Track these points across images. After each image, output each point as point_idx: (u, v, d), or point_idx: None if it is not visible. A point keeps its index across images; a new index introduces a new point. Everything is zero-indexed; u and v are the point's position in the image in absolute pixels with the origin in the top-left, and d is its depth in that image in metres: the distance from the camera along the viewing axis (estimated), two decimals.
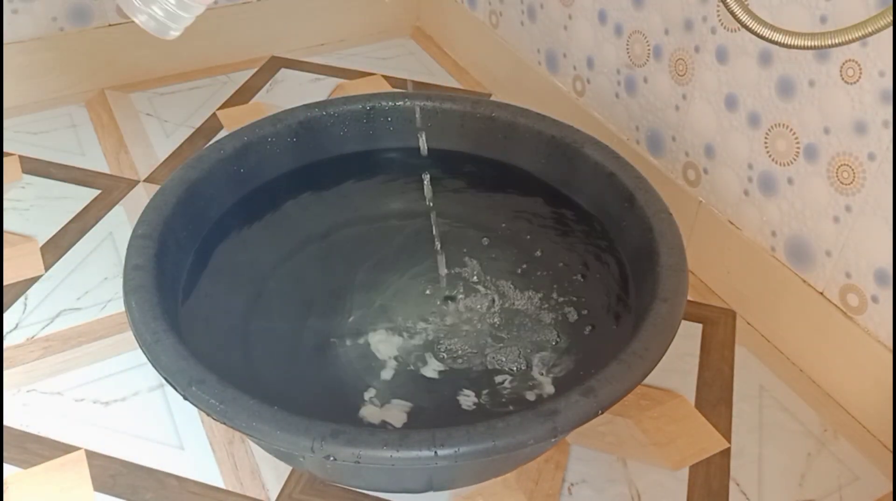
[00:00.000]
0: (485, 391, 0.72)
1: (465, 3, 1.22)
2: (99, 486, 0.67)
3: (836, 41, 0.51)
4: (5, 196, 0.97)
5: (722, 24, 0.77)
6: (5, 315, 0.82)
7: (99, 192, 0.99)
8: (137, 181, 1.00)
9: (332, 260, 0.84)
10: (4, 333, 0.81)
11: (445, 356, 0.75)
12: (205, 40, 1.20)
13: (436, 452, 0.53)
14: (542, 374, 0.73)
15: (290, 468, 0.69)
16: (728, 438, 0.73)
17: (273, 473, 0.68)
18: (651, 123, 0.91)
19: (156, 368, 0.58)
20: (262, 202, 0.83)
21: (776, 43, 0.53)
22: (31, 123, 1.09)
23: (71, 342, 0.80)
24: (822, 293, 0.76)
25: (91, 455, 0.70)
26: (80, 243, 0.91)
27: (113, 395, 0.75)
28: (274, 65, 1.24)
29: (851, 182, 0.69)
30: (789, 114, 0.73)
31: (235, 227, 0.80)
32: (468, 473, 0.66)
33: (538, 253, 0.84)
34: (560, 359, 0.74)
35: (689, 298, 0.83)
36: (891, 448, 0.72)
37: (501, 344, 0.76)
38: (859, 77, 0.66)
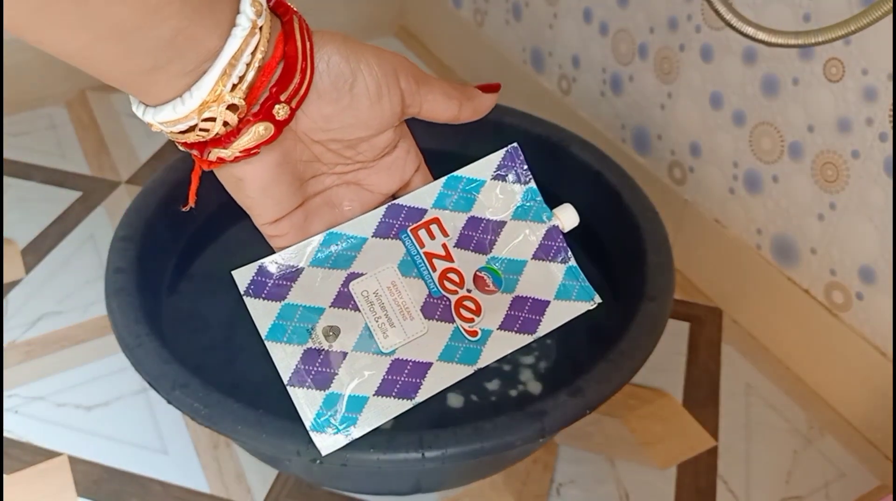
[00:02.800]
0: (472, 392, 0.71)
1: (450, 2, 1.21)
2: (82, 491, 0.66)
3: (820, 39, 0.51)
4: None
5: (706, 23, 0.77)
6: None
7: (80, 194, 0.97)
8: (119, 183, 0.99)
9: None
10: None
11: None
12: None
13: (423, 454, 0.52)
14: (529, 374, 0.73)
15: (276, 471, 0.68)
16: (715, 436, 0.73)
17: (259, 477, 0.68)
18: (637, 121, 0.91)
19: (139, 372, 0.57)
20: None
21: (760, 41, 0.52)
22: (10, 124, 1.08)
23: (52, 346, 0.79)
24: (807, 291, 0.76)
25: (74, 461, 0.69)
26: (61, 245, 0.90)
27: (95, 399, 0.74)
28: None
29: (836, 180, 0.69)
30: (774, 112, 0.73)
31: (219, 229, 0.79)
32: (456, 475, 0.66)
33: None
34: (547, 359, 0.74)
35: (676, 296, 0.83)
36: (877, 444, 0.73)
37: None
38: (843, 75, 0.66)
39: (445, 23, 1.23)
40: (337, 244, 0.36)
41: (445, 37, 1.25)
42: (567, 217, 0.38)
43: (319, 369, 0.35)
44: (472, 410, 0.70)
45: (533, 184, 0.39)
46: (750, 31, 0.52)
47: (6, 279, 0.86)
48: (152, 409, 0.73)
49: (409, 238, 0.37)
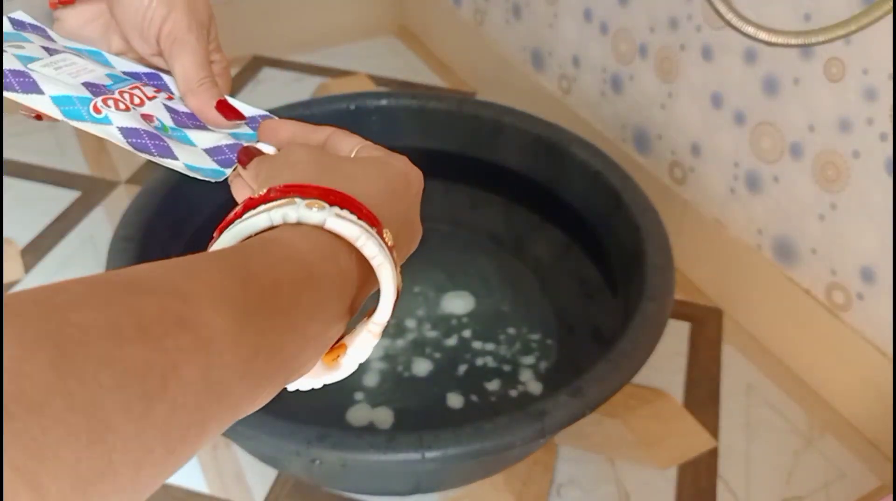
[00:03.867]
0: (472, 393, 0.71)
1: (450, 2, 1.21)
2: None
3: (821, 39, 0.51)
4: None
5: (707, 23, 0.77)
6: None
7: (79, 194, 0.97)
8: (118, 183, 0.99)
9: None
10: None
11: (433, 356, 0.74)
12: None
13: (423, 455, 0.52)
14: (529, 375, 0.73)
15: (276, 471, 0.68)
16: (716, 436, 0.73)
17: (259, 477, 0.68)
18: (637, 121, 0.91)
19: None
20: None
21: (761, 41, 0.52)
22: (9, 124, 1.08)
23: None
24: (807, 291, 0.76)
25: None
26: (61, 245, 0.90)
27: None
28: (256, 64, 1.23)
29: (836, 180, 0.69)
30: (774, 112, 0.73)
31: None
32: (456, 475, 0.66)
33: (525, 252, 0.83)
34: (548, 359, 0.74)
35: (676, 296, 0.83)
36: (877, 444, 0.72)
37: (489, 344, 0.75)
38: (843, 75, 0.66)
39: (445, 22, 1.23)
40: (95, 61, 0.41)
41: (445, 36, 1.25)
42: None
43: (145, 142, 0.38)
44: (473, 410, 0.70)
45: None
46: (750, 30, 0.52)
47: (6, 279, 0.86)
48: None
49: (142, 81, 0.41)
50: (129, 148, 0.39)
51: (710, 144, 0.81)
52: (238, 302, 0.23)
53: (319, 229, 0.28)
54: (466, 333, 0.76)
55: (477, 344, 0.75)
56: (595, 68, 0.95)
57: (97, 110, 0.39)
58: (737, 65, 0.75)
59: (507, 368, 0.73)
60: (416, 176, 0.35)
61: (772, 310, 0.80)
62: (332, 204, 0.28)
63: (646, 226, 0.70)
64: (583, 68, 0.97)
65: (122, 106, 0.39)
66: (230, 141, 0.41)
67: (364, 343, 0.29)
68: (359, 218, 0.28)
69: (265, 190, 0.29)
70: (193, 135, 0.40)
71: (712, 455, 0.71)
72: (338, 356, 0.29)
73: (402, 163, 0.35)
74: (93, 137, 1.12)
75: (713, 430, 0.73)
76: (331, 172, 0.31)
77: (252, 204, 0.28)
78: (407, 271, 0.92)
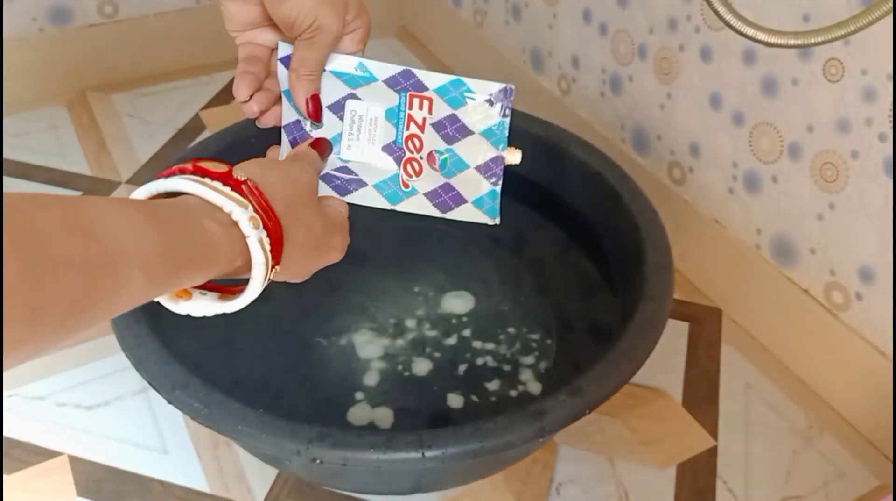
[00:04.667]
0: (472, 392, 0.71)
1: (449, 2, 1.21)
2: (82, 491, 0.66)
3: (819, 40, 0.51)
4: None
5: (706, 23, 0.78)
6: None
7: (80, 194, 0.97)
8: (119, 183, 0.99)
9: None
10: None
11: (433, 356, 0.74)
12: (187, 40, 1.19)
13: (423, 454, 0.52)
14: (529, 374, 0.73)
15: (276, 471, 0.68)
16: (715, 436, 0.73)
17: (259, 476, 0.68)
18: (636, 122, 0.91)
19: (139, 371, 0.57)
20: None
21: (760, 42, 0.53)
22: (10, 124, 1.08)
23: None
24: (806, 291, 0.76)
25: (74, 461, 0.69)
26: None
27: (96, 399, 0.74)
28: None
29: (835, 180, 0.70)
30: (773, 112, 0.73)
31: None
32: (456, 474, 0.66)
33: (525, 252, 0.83)
34: (547, 359, 0.74)
35: (676, 296, 0.83)
36: (876, 444, 0.73)
37: (489, 344, 0.76)
38: (842, 75, 0.66)
39: (445, 23, 1.23)
40: (357, 71, 0.46)
41: (445, 37, 1.25)
42: (512, 156, 0.49)
43: (296, 137, 0.46)
44: (473, 410, 0.70)
45: (507, 119, 0.50)
46: (749, 31, 0.52)
47: None
48: (152, 409, 0.73)
49: (405, 98, 0.47)
50: (435, 212, 0.45)
51: (709, 145, 0.82)
52: (153, 270, 0.30)
53: (243, 235, 0.34)
54: (466, 332, 0.76)
55: (477, 344, 0.75)
56: (594, 69, 0.95)
57: (406, 185, 0.45)
58: (736, 65, 0.75)
59: (506, 368, 0.73)
60: (337, 253, 0.42)
61: (771, 310, 0.80)
62: (265, 228, 0.35)
63: (645, 226, 0.70)
64: (582, 69, 0.97)
65: (416, 166, 0.46)
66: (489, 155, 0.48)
67: (203, 307, 0.36)
68: (271, 249, 0.35)
69: (243, 177, 0.35)
70: (462, 151, 0.47)
71: (711, 454, 0.71)
72: (180, 299, 0.36)
73: (340, 240, 0.42)
74: (93, 138, 1.13)
75: (712, 430, 0.73)
76: (296, 209, 0.38)
77: (222, 178, 0.34)
78: (406, 270, 0.93)
